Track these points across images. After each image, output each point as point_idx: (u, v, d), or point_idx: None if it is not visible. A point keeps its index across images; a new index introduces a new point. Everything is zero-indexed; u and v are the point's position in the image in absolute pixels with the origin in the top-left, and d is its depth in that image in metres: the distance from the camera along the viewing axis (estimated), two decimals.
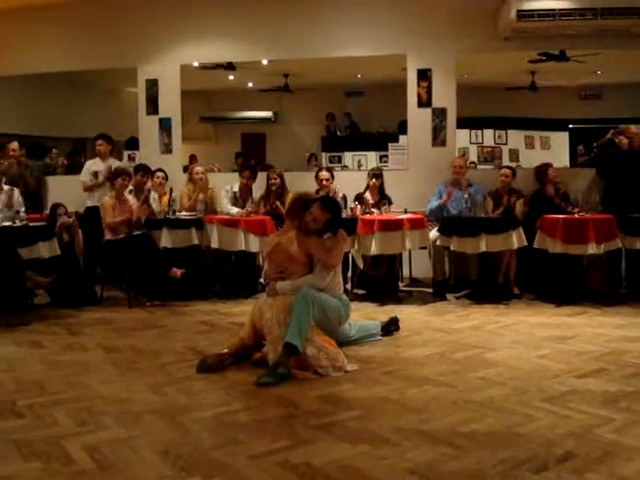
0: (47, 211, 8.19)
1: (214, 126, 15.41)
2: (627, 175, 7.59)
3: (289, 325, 4.65)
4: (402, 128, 9.37)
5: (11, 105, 10.72)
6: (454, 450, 3.30)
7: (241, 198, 8.07)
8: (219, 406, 4.01)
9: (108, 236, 7.44)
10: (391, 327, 5.77)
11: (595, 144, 8.23)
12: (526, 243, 7.14)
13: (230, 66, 11.12)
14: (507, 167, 8.37)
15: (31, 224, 7.19)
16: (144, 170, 8.14)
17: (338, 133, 14.59)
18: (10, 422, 3.77)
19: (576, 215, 7.12)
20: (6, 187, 7.48)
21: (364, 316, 6.38)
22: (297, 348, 4.56)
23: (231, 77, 12.26)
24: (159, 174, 8.26)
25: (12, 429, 3.65)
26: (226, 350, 4.87)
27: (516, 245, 7.11)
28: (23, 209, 7.44)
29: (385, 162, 9.84)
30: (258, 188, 8.28)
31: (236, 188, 8.11)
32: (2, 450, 3.37)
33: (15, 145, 8.81)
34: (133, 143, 9.55)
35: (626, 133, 7.80)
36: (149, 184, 8.22)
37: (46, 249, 6.96)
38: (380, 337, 5.59)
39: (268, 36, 8.73)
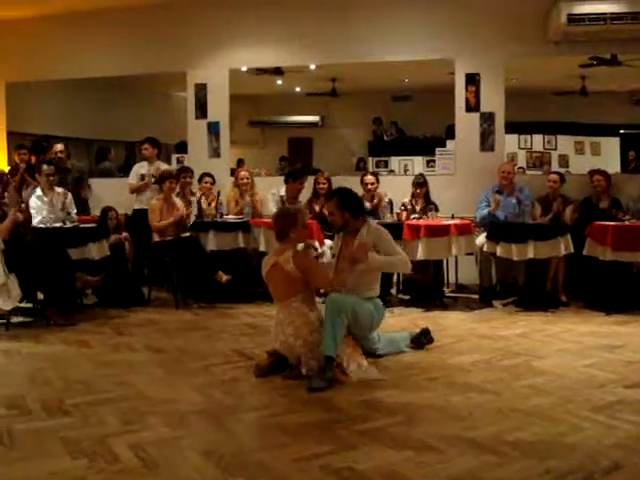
0: (94, 213, 8.37)
1: (261, 130, 15.49)
2: None
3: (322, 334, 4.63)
4: (449, 133, 9.31)
5: (63, 109, 10.92)
6: (498, 458, 3.27)
7: (288, 202, 8.09)
8: (263, 408, 4.05)
9: (156, 238, 7.54)
10: (422, 339, 5.49)
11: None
12: (573, 250, 7.03)
13: (278, 71, 11.17)
14: (556, 173, 8.26)
15: (81, 225, 7.33)
16: (186, 172, 8.23)
17: (385, 138, 14.55)
18: (58, 420, 3.85)
19: (627, 222, 7.00)
20: (59, 189, 7.63)
21: (409, 322, 6.36)
22: (332, 357, 4.55)
23: (279, 82, 12.32)
24: (207, 178, 8.33)
25: (60, 427, 3.72)
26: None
27: (564, 252, 7.01)
28: (74, 211, 7.59)
29: (432, 167, 9.77)
30: (305, 192, 8.29)
31: (283, 192, 8.15)
32: (50, 447, 3.44)
33: (61, 147, 8.96)
34: (182, 147, 9.66)
35: None
36: (195, 187, 8.31)
37: (96, 250, 7.09)
38: (406, 349, 5.38)
39: (316, 41, 8.75)
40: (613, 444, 3.43)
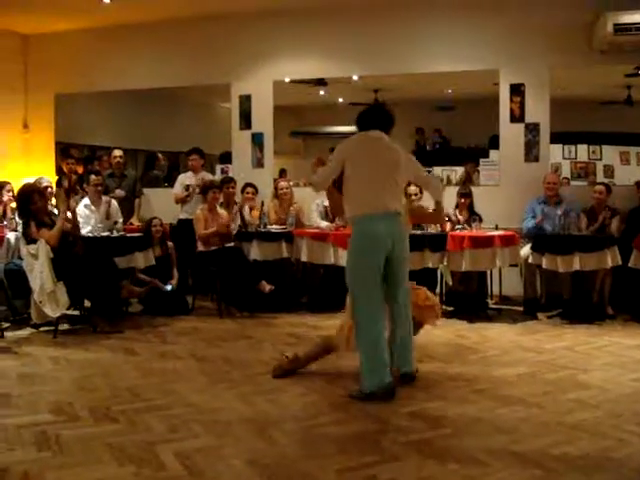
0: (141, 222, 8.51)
1: (303, 140, 15.56)
2: None
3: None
4: (493, 143, 9.24)
5: (110, 119, 11.10)
6: (545, 472, 3.24)
7: (331, 212, 8.11)
8: (307, 418, 4.06)
9: (200, 248, 7.62)
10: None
11: None
12: (621, 262, 6.94)
13: (321, 82, 11.22)
14: (602, 184, 8.16)
15: (128, 235, 7.44)
16: (229, 182, 8.31)
17: (427, 147, 14.50)
18: (105, 426, 3.91)
19: None
20: (105, 198, 7.77)
21: (453, 333, 6.31)
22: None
23: (322, 92, 12.37)
24: (249, 189, 8.40)
25: (107, 433, 3.79)
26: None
27: (610, 264, 6.93)
28: (121, 220, 7.72)
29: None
30: None
31: (326, 202, 8.15)
32: (97, 453, 3.50)
33: (119, 152, 9.10)
34: (226, 157, 9.74)
35: None
36: (238, 197, 8.39)
37: (142, 259, 7.21)
38: None
39: (359, 52, 8.78)
40: None
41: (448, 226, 7.52)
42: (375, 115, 4.82)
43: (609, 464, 3.35)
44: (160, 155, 10.29)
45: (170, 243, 7.89)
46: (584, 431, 3.80)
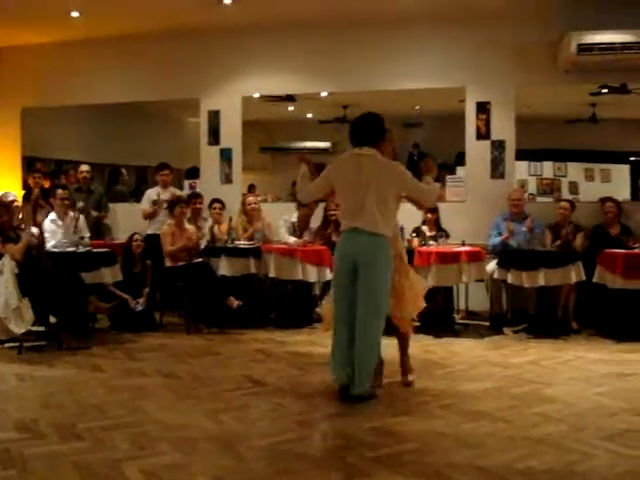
0: (109, 238, 8.46)
1: (272, 156, 15.59)
2: None
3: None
4: (459, 160, 9.35)
5: (77, 133, 11.03)
6: None
7: (299, 228, 8.14)
8: (275, 435, 4.04)
9: (168, 263, 7.59)
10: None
11: None
12: (585, 278, 7.05)
13: (290, 97, 11.27)
14: (566, 200, 8.30)
15: (94, 250, 7.39)
16: (196, 198, 8.31)
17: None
18: (71, 444, 3.86)
19: (637, 250, 7.01)
20: (71, 213, 7.71)
21: (420, 348, 6.34)
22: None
23: (291, 108, 12.41)
24: (216, 204, 8.40)
25: (72, 451, 3.74)
26: None
27: (575, 279, 7.03)
28: (88, 235, 7.66)
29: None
30: (316, 218, 8.34)
31: (294, 218, 8.19)
32: (63, 471, 3.46)
33: (87, 167, 9.04)
34: (193, 172, 9.73)
35: None
36: (206, 213, 8.39)
37: (109, 274, 7.15)
38: None
39: (328, 69, 8.85)
40: (624, 472, 3.43)
41: (415, 241, 7.57)
42: (364, 128, 4.85)
43: (573, 478, 3.39)
44: (123, 170, 10.22)
45: (148, 261, 7.83)
46: (549, 445, 3.84)
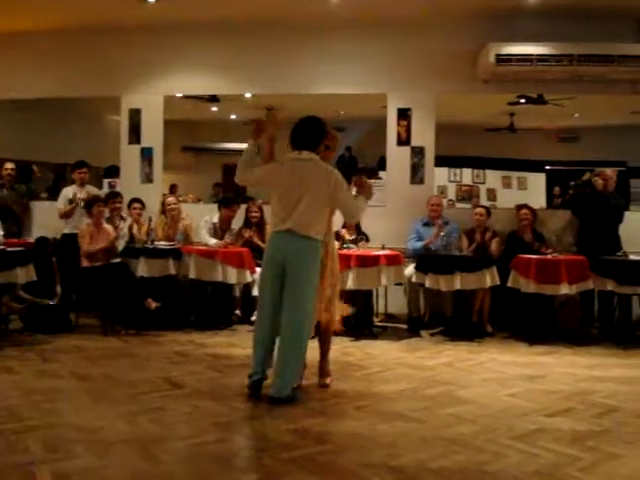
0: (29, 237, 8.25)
1: (195, 156, 15.50)
2: (600, 216, 7.74)
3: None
4: (382, 164, 9.48)
5: None
6: None
7: (220, 229, 8.11)
8: (191, 437, 4.02)
9: (85, 263, 7.44)
10: None
11: (572, 183, 8.39)
12: (499, 282, 7.24)
13: (213, 98, 11.22)
14: (482, 206, 8.51)
15: (9, 249, 7.18)
16: (115, 197, 8.19)
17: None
18: None
19: (549, 256, 7.24)
20: None
21: (339, 351, 6.39)
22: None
23: (214, 109, 12.38)
24: (135, 204, 8.29)
25: None
26: None
27: (489, 284, 7.22)
28: (1, 233, 7.44)
29: None
30: (237, 220, 8.32)
31: (216, 219, 8.15)
32: None
33: (11, 165, 8.80)
34: (113, 171, 9.57)
35: (601, 175, 7.96)
36: (125, 212, 8.26)
37: (23, 274, 6.95)
38: None
39: (252, 70, 8.82)
40: (534, 472, 3.53)
41: (336, 245, 7.62)
42: (304, 132, 4.87)
43: (484, 477, 3.48)
44: (35, 167, 9.96)
45: (54, 258, 7.67)
46: (461, 445, 3.93)
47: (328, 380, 5.20)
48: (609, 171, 8.08)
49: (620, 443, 3.99)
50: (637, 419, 4.51)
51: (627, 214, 8.07)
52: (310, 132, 4.87)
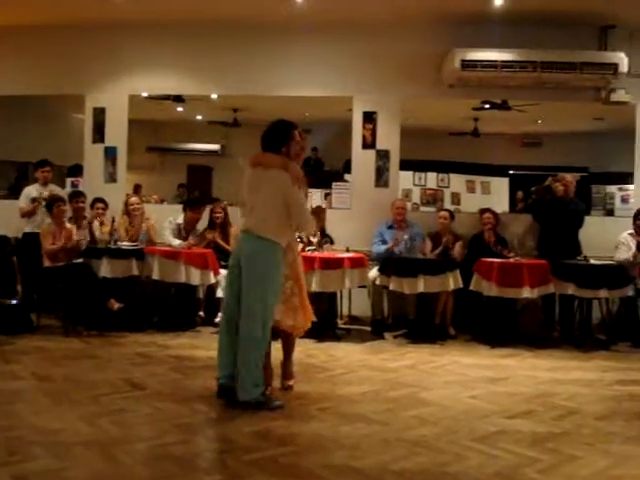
0: None
1: (160, 156, 15.38)
2: (560, 221, 7.85)
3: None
4: (347, 167, 9.50)
5: None
6: None
7: (185, 230, 8.06)
8: (153, 439, 3.99)
9: (47, 263, 7.35)
10: None
11: (532, 189, 8.49)
12: (462, 285, 7.31)
13: (179, 98, 11.16)
14: (446, 210, 8.57)
15: None
16: (78, 196, 8.10)
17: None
18: None
19: (511, 260, 7.32)
20: None
21: (302, 352, 6.40)
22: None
23: (180, 109, 12.30)
24: (98, 204, 8.20)
25: None
26: None
27: (452, 287, 7.28)
28: None
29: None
30: (203, 221, 8.28)
31: (180, 220, 8.11)
32: None
33: None
34: (76, 170, 9.47)
35: (562, 181, 8.06)
36: (88, 212, 8.18)
37: None
38: None
39: (218, 71, 8.80)
40: (494, 473, 3.57)
41: (300, 247, 7.63)
42: (268, 134, 4.89)
43: (446, 478, 3.51)
44: None
45: (14, 257, 7.57)
46: (423, 447, 3.95)
47: (291, 382, 5.20)
48: (569, 176, 8.20)
49: (579, 445, 4.05)
50: (596, 421, 4.57)
51: (588, 219, 8.20)
52: (273, 135, 4.88)
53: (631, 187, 9.39)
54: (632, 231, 7.74)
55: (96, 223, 8.02)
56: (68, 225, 7.59)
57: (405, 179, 13.64)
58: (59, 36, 8.83)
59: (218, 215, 8.25)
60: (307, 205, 4.95)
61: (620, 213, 12.55)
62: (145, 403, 4.70)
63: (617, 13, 7.81)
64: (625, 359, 6.74)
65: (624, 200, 13.65)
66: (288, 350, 5.27)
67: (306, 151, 5.38)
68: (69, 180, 9.27)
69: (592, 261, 7.39)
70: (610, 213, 13.57)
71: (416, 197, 14.96)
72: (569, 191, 8.01)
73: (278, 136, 4.87)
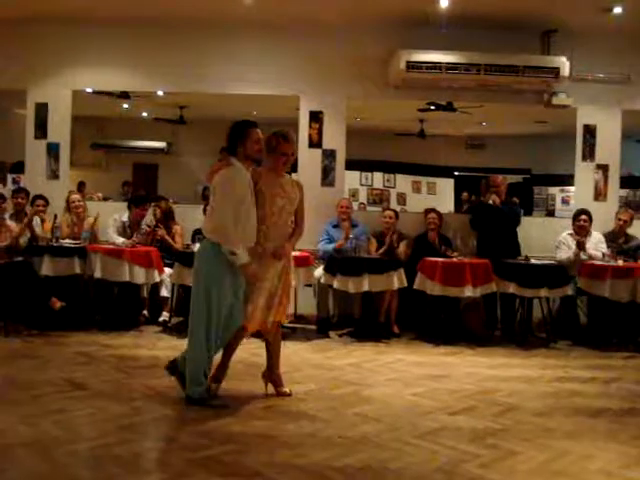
0: None
1: (105, 153, 15.19)
2: (496, 227, 7.97)
3: None
4: (294, 166, 9.48)
5: None
6: None
7: (130, 228, 7.98)
8: (95, 439, 3.95)
9: None
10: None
11: (469, 201, 8.57)
12: (406, 284, 7.38)
13: (124, 94, 11.02)
14: (390, 209, 8.64)
15: None
16: (19, 193, 7.96)
17: None
18: None
19: (455, 259, 7.42)
20: None
21: (247, 352, 6.38)
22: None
23: (125, 105, 12.16)
24: (39, 201, 8.05)
25: None
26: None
27: (397, 285, 7.35)
28: None
29: None
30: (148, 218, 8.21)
31: (125, 218, 8.02)
32: None
33: None
34: (20, 167, 9.29)
35: (491, 183, 8.18)
36: (29, 208, 8.03)
37: None
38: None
39: (164, 67, 8.69)
40: (435, 468, 3.63)
41: None
42: (227, 137, 4.92)
43: (387, 474, 3.56)
44: None
45: None
46: (365, 444, 4.00)
47: (287, 389, 5.10)
48: (500, 178, 8.30)
49: (519, 440, 4.13)
50: (535, 417, 4.67)
51: (529, 219, 8.35)
52: (230, 135, 4.92)
53: (572, 189, 9.60)
54: (572, 231, 7.92)
55: (36, 220, 7.87)
56: (9, 222, 7.45)
57: (352, 179, 13.75)
58: (0, 30, 8.64)
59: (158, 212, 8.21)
60: (227, 209, 4.69)
61: (561, 214, 12.86)
62: (87, 403, 4.64)
63: (559, 18, 7.98)
64: (565, 357, 6.90)
65: (565, 201, 14.00)
66: (274, 353, 5.25)
67: (294, 156, 5.37)
68: (11, 177, 9.10)
69: (533, 261, 7.54)
70: (551, 214, 13.90)
71: (363, 197, 15.07)
72: (501, 195, 8.10)
73: (233, 136, 4.89)
